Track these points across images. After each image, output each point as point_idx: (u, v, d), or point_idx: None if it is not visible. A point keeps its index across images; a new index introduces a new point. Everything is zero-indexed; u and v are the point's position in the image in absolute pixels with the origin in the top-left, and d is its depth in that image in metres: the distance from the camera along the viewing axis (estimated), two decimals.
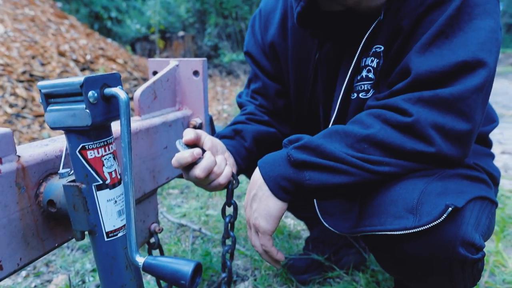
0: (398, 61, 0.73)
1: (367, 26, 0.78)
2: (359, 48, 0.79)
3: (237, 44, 7.03)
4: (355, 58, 0.80)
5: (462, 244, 0.61)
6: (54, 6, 5.19)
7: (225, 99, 4.93)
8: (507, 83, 7.42)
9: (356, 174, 0.67)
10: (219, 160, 0.80)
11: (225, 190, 0.86)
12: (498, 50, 0.69)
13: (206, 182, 0.80)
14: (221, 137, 0.95)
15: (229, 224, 0.85)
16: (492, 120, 0.94)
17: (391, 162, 0.67)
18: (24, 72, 3.14)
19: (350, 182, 0.68)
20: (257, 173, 0.77)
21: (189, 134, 0.78)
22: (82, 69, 3.68)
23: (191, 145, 0.78)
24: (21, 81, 3.08)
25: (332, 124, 0.87)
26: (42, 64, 3.38)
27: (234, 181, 0.84)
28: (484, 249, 0.63)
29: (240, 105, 1.13)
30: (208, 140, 0.82)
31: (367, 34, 0.78)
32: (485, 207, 0.69)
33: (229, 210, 0.84)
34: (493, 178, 0.83)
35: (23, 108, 2.90)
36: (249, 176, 1.24)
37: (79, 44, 4.08)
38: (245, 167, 0.96)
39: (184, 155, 0.74)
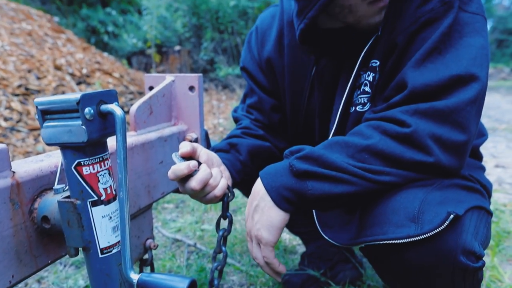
0: (393, 76, 0.76)
1: (365, 41, 0.81)
2: (358, 63, 0.82)
3: (233, 59, 7.10)
4: (354, 72, 0.83)
5: (463, 253, 0.63)
6: (52, 20, 5.23)
7: (221, 113, 4.95)
8: (499, 97, 7.53)
9: (357, 184, 0.69)
10: (214, 172, 0.80)
11: (221, 204, 0.86)
12: (488, 65, 0.73)
13: (202, 194, 0.80)
14: (216, 150, 0.96)
15: (222, 238, 0.85)
16: (481, 134, 0.97)
17: (391, 172, 0.69)
18: (19, 86, 3.14)
19: (352, 192, 0.69)
20: (258, 184, 0.77)
21: (185, 147, 0.78)
22: (78, 83, 3.69)
23: (187, 157, 0.79)
24: (17, 95, 3.07)
25: (332, 137, 0.88)
26: (38, 78, 3.38)
27: (229, 194, 0.85)
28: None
29: (236, 120, 1.14)
30: (203, 153, 0.82)
31: (365, 49, 0.81)
32: (482, 217, 0.70)
33: (224, 224, 0.83)
34: (487, 190, 0.85)
35: (18, 121, 2.89)
36: (243, 190, 1.24)
37: (76, 58, 4.10)
38: (240, 180, 0.97)
39: (180, 167, 0.75)
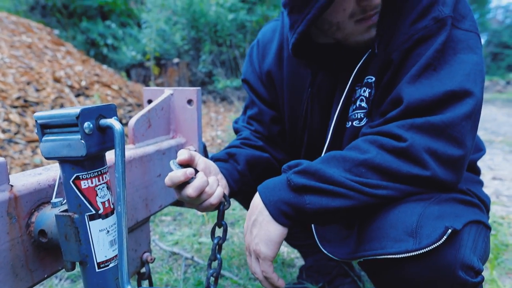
0: (389, 91, 0.77)
1: (359, 57, 0.83)
2: (350, 79, 0.84)
3: (231, 71, 7.16)
4: (347, 88, 0.85)
5: (462, 268, 0.63)
6: (52, 33, 5.28)
7: (219, 125, 4.97)
8: (495, 109, 7.59)
9: (355, 198, 0.69)
10: (211, 180, 0.81)
11: (226, 210, 0.87)
12: (482, 81, 0.74)
13: (198, 202, 0.80)
14: (215, 159, 0.97)
15: (217, 246, 0.85)
16: (479, 149, 0.98)
17: (388, 186, 0.69)
18: (18, 98, 3.15)
19: (349, 206, 0.70)
20: (257, 198, 0.78)
21: (183, 154, 0.79)
22: (77, 95, 3.70)
23: (185, 165, 0.80)
24: (15, 107, 3.08)
25: (326, 151, 0.89)
26: (37, 90, 3.40)
27: (225, 202, 0.86)
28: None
29: (236, 131, 1.15)
30: (201, 161, 0.83)
31: (358, 66, 0.82)
32: (480, 231, 0.70)
33: (219, 232, 0.84)
34: (485, 205, 0.86)
35: (16, 133, 2.88)
36: (242, 202, 1.24)
37: (75, 71, 4.12)
38: (237, 190, 0.97)
39: (177, 174, 0.76)
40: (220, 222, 0.86)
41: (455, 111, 0.68)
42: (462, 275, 0.62)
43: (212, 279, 0.84)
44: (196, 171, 0.80)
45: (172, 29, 6.82)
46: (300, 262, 1.56)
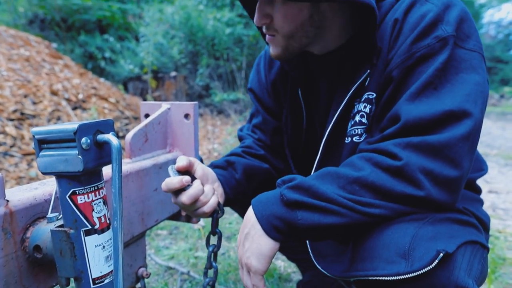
0: (389, 108, 0.77)
1: (356, 72, 0.84)
2: (348, 94, 0.84)
3: (228, 84, 7.21)
4: (343, 103, 0.85)
5: None
6: (50, 46, 5.31)
7: (216, 138, 4.97)
8: (489, 123, 7.66)
9: (347, 215, 0.69)
10: (206, 189, 0.83)
11: (222, 224, 0.88)
12: (484, 102, 0.73)
13: (192, 209, 0.82)
14: (214, 166, 0.99)
15: (212, 254, 0.85)
16: (480, 169, 0.97)
17: (381, 205, 0.69)
18: (15, 111, 3.15)
19: (341, 223, 0.69)
20: (250, 211, 0.78)
21: (181, 161, 0.81)
22: (74, 108, 3.71)
23: (183, 171, 0.81)
24: (12, 120, 3.08)
25: (317, 164, 0.90)
26: (34, 103, 3.40)
27: (219, 211, 0.87)
28: None
29: (240, 138, 1.18)
30: (199, 168, 0.85)
31: (358, 82, 0.82)
32: (476, 252, 0.69)
33: (214, 241, 0.84)
34: (483, 224, 0.84)
35: (11, 146, 2.87)
36: (238, 211, 1.24)
37: (72, 83, 4.14)
38: (233, 198, 0.98)
39: (173, 181, 0.77)
40: (214, 230, 0.87)
41: (453, 132, 0.68)
42: None
43: (208, 287, 0.85)
44: (194, 178, 0.81)
45: (170, 43, 6.88)
46: (297, 276, 1.55)
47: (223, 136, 5.14)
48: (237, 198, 0.99)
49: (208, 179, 0.86)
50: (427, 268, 0.61)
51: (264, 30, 0.87)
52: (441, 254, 0.61)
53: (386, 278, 0.64)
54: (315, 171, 0.91)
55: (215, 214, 0.86)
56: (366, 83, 0.82)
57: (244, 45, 6.86)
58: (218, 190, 0.91)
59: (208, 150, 4.22)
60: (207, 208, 0.82)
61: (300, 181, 0.73)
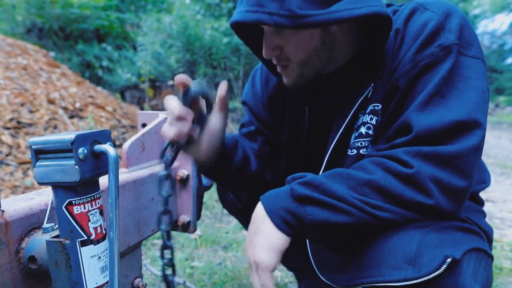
0: (395, 117, 0.77)
1: (359, 85, 0.84)
2: (355, 106, 0.83)
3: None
4: (350, 115, 0.84)
5: None
6: (47, 55, 5.32)
7: None
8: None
9: (355, 215, 0.69)
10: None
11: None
12: (487, 109, 0.74)
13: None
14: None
15: (165, 233, 0.82)
16: (483, 181, 0.97)
17: (390, 209, 0.69)
18: (11, 119, 3.14)
19: (349, 223, 0.70)
20: (259, 207, 0.77)
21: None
22: (71, 117, 3.70)
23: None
24: (8, 128, 3.07)
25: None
26: (31, 112, 3.39)
27: (180, 144, 0.78)
28: None
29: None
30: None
31: (361, 98, 0.83)
32: (481, 258, 0.70)
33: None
34: (487, 235, 0.84)
35: (7, 155, 2.86)
36: (243, 221, 1.24)
37: (69, 92, 4.14)
38: (222, 157, 0.92)
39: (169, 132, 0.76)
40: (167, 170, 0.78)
41: (465, 143, 0.68)
42: None
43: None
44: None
45: (167, 52, 6.91)
46: (294, 286, 1.54)
47: None
48: (222, 164, 0.94)
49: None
50: (435, 274, 0.62)
51: (274, 62, 0.86)
52: (449, 260, 0.62)
53: (394, 284, 0.65)
54: None
55: (175, 145, 0.78)
56: (370, 95, 0.83)
57: (241, 55, 6.91)
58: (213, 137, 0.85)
59: None
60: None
61: (311, 178, 0.73)
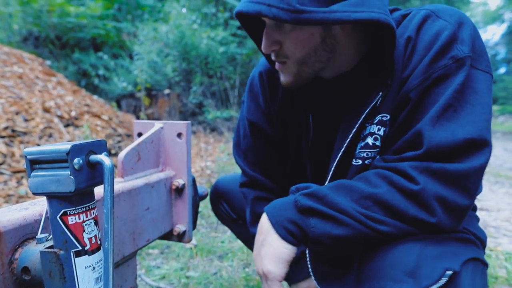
0: (405, 129, 0.76)
1: (366, 92, 0.82)
2: (363, 115, 0.81)
3: (221, 102, 7.25)
4: (357, 125, 0.83)
5: None
6: (43, 64, 5.32)
7: (209, 156, 4.97)
8: None
9: (357, 228, 0.70)
10: None
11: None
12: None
13: None
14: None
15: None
16: None
17: (391, 223, 0.70)
18: (6, 128, 3.13)
19: (350, 235, 0.70)
20: (264, 218, 0.78)
21: None
22: (66, 125, 3.69)
23: None
24: (2, 137, 3.05)
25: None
26: (26, 120, 3.38)
27: None
28: None
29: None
30: None
31: (369, 108, 0.81)
32: (478, 268, 0.71)
33: None
34: (481, 241, 0.84)
35: (1, 164, 2.84)
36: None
37: (65, 101, 4.13)
38: None
39: None
40: None
41: (473, 162, 0.68)
42: None
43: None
44: None
45: (164, 61, 6.94)
46: None
47: (216, 153, 5.14)
48: None
49: None
50: (435, 286, 0.63)
51: (273, 57, 0.84)
52: (448, 272, 0.63)
53: None
54: None
55: None
56: (378, 104, 0.81)
57: (237, 64, 6.96)
58: None
59: (201, 168, 4.21)
60: None
61: (315, 189, 0.74)
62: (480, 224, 2.48)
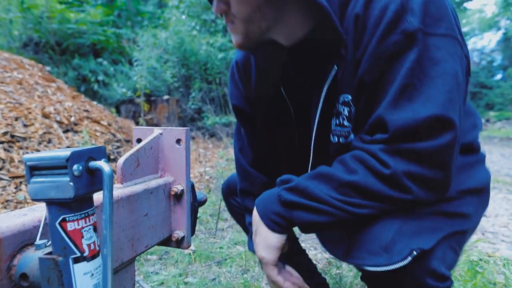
0: (369, 113, 0.77)
1: (323, 65, 0.82)
2: (323, 95, 0.83)
3: (220, 108, 7.27)
4: (320, 104, 0.85)
5: (430, 275, 0.70)
6: (43, 69, 5.33)
7: (208, 161, 4.96)
8: None
9: (337, 215, 0.75)
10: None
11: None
12: (461, 94, 0.71)
13: None
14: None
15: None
16: (474, 125, 0.92)
17: (370, 205, 0.74)
18: (5, 133, 3.13)
19: (332, 221, 0.77)
20: (255, 211, 0.87)
21: None
22: (65, 131, 3.69)
23: None
24: (1, 142, 3.05)
25: (311, 164, 0.94)
26: (25, 125, 3.38)
27: None
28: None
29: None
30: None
31: (328, 83, 0.81)
32: (455, 243, 0.76)
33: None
34: (483, 192, 0.87)
35: (0, 169, 2.83)
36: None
37: (64, 106, 4.14)
38: None
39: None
40: None
41: (441, 138, 0.69)
42: (431, 282, 0.69)
43: None
44: None
45: (163, 67, 6.97)
46: None
47: (214, 159, 5.14)
48: None
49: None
50: (403, 263, 0.67)
51: (224, 19, 0.86)
52: (415, 253, 0.67)
53: (368, 269, 0.71)
54: (310, 169, 0.95)
55: None
56: (339, 78, 0.80)
57: None
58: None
59: (200, 173, 4.21)
60: None
61: (296, 183, 0.79)
62: (478, 230, 2.46)
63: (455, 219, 0.77)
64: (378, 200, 0.73)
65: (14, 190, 2.70)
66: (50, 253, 0.52)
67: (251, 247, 1.08)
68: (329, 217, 0.76)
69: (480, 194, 0.86)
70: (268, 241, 0.83)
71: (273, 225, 0.82)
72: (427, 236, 0.71)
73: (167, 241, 1.01)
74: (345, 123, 0.84)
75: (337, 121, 0.86)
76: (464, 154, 0.87)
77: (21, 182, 2.80)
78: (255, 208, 0.87)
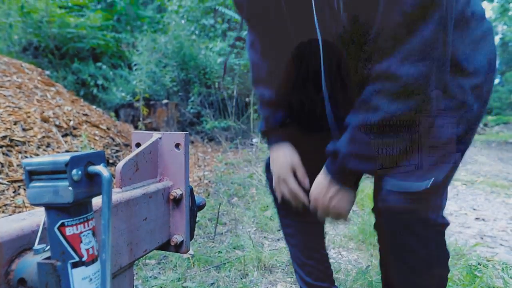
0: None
1: None
2: None
3: (219, 112, 7.28)
4: None
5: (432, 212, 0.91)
6: (42, 74, 5.34)
7: (206, 165, 4.96)
8: (475, 150, 7.81)
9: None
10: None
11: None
12: None
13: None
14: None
15: None
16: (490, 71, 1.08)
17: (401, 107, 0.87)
18: (4, 137, 3.13)
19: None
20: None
21: None
22: (64, 135, 3.69)
23: None
24: (0, 146, 3.04)
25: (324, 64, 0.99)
26: (24, 129, 3.38)
27: None
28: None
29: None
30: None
31: None
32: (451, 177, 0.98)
33: None
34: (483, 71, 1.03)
35: None
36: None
37: (64, 110, 4.14)
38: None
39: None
40: None
41: (421, 34, 0.80)
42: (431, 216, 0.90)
43: None
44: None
45: (162, 71, 6.98)
46: (282, 266, 1.52)
47: (213, 163, 5.14)
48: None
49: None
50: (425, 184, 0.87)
51: None
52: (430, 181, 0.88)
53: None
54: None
55: None
56: None
57: (235, 74, 7.00)
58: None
59: (199, 177, 4.20)
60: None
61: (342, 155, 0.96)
62: (477, 234, 2.48)
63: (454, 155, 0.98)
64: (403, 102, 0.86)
65: (13, 194, 2.70)
66: (48, 258, 0.52)
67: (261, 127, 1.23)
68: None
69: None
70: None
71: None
72: (439, 170, 0.90)
73: (166, 246, 1.01)
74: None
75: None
76: (457, 74, 0.99)
77: (19, 187, 2.80)
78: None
